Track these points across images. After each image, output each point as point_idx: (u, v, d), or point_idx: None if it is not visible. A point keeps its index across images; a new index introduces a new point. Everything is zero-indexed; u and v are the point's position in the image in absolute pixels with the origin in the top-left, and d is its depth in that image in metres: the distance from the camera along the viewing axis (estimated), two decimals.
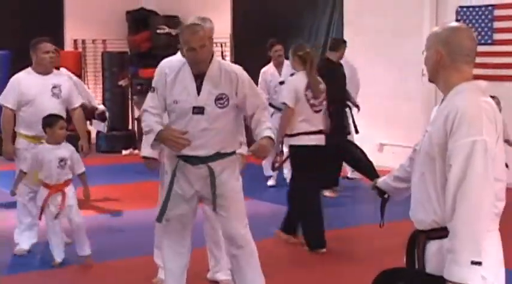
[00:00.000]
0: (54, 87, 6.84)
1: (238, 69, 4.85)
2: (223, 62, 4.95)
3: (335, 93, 8.35)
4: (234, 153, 4.91)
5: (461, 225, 2.86)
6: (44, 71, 6.87)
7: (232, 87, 4.73)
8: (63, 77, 7.14)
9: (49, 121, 6.41)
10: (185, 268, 5.10)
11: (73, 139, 6.88)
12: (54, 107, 6.75)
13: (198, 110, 4.68)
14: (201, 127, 4.69)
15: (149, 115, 4.80)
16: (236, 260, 4.97)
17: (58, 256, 6.43)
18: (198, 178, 4.80)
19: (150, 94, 4.90)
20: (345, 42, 10.04)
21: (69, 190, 6.45)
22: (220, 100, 4.69)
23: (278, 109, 8.96)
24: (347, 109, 9.64)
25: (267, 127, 4.78)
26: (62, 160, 6.36)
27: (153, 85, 4.90)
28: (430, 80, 3.22)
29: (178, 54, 5.69)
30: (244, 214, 4.94)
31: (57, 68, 7.41)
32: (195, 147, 4.69)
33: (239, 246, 4.89)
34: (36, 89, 6.77)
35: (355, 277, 5.97)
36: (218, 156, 4.78)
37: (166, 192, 4.85)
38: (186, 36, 4.65)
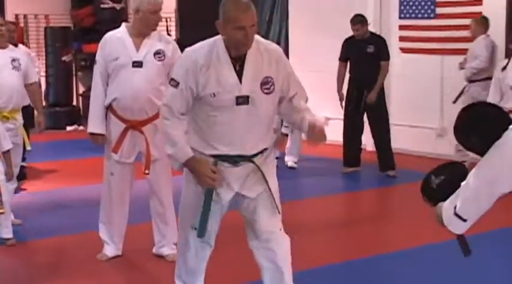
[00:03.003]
0: (13, 60, 6.71)
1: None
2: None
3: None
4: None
5: None
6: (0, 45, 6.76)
7: None
8: (20, 51, 7.07)
9: None
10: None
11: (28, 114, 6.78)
12: (15, 80, 6.67)
13: (243, 100, 3.92)
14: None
15: (176, 123, 3.96)
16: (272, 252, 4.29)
17: None
18: (237, 178, 4.07)
19: (173, 91, 3.96)
20: (355, 16, 9.41)
21: None
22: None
23: None
24: None
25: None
26: None
27: (174, 77, 3.97)
28: None
29: (122, 26, 5.67)
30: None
31: (15, 45, 7.40)
32: (240, 144, 4.01)
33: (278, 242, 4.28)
34: None
35: (301, 248, 6.04)
36: (263, 151, 4.11)
37: (206, 202, 4.01)
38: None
